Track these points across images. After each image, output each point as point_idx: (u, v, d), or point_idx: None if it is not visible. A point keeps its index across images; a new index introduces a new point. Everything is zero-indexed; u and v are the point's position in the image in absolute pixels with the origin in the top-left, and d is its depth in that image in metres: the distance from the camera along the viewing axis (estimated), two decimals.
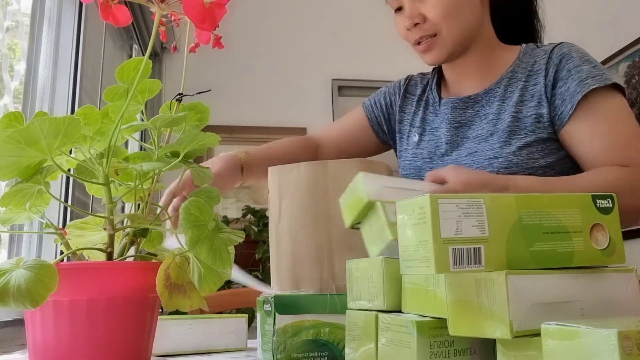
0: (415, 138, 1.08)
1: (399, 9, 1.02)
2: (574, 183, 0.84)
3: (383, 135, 1.16)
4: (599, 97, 0.90)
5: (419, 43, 0.99)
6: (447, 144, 1.02)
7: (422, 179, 0.86)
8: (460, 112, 1.03)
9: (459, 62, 1.04)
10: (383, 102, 1.17)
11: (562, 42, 0.99)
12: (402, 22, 1.01)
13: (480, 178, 0.79)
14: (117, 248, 0.61)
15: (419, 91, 1.13)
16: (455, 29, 0.97)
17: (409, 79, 1.17)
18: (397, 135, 1.14)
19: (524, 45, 1.04)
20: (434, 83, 1.11)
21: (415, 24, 0.97)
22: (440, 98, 1.08)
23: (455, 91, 1.07)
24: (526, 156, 0.93)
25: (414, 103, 1.12)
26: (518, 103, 0.96)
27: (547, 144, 0.93)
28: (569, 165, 0.95)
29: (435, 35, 0.97)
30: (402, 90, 1.15)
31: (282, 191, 0.85)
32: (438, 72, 1.13)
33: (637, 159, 0.87)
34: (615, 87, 0.91)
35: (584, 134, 0.90)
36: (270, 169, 0.87)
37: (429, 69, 1.17)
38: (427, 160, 1.05)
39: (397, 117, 1.14)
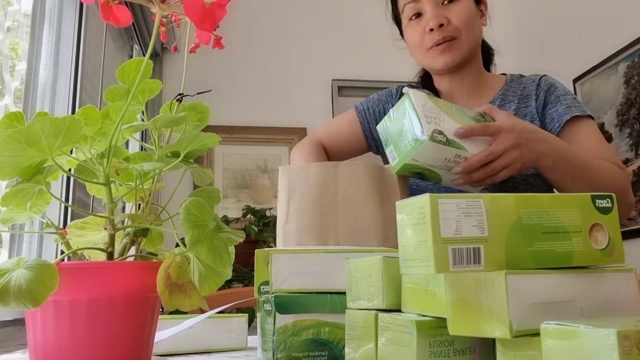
0: None
1: (417, 16, 1.14)
2: (591, 161, 0.99)
3: (371, 141, 1.25)
4: (580, 122, 1.09)
5: (437, 45, 1.11)
6: None
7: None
8: None
9: (457, 77, 1.18)
10: (376, 109, 1.25)
11: (545, 75, 1.19)
12: (419, 27, 1.13)
13: (529, 126, 0.92)
14: (118, 248, 0.61)
15: None
16: (471, 36, 1.12)
17: (401, 89, 1.27)
18: None
19: (508, 74, 1.23)
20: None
21: (440, 25, 1.09)
22: None
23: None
24: None
25: None
26: (514, 115, 1.11)
27: None
28: None
29: (454, 39, 1.10)
30: (395, 99, 1.25)
31: (291, 191, 0.85)
32: (426, 86, 1.26)
33: (620, 163, 1.05)
34: (590, 117, 1.11)
35: (573, 144, 1.06)
36: (280, 168, 0.87)
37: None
38: None
39: None
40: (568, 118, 1.08)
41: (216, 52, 0.79)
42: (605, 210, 0.46)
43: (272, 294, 0.63)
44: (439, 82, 1.23)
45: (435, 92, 1.23)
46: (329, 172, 0.85)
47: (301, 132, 3.11)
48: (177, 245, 0.60)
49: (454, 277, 0.43)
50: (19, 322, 1.14)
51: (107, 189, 0.60)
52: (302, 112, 3.15)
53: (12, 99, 1.29)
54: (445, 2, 1.11)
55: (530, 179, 1.09)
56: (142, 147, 2.00)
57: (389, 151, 0.88)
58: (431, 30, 1.10)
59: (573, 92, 2.67)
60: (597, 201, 0.46)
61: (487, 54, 1.26)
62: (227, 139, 2.95)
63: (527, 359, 0.39)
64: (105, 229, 0.60)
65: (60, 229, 0.61)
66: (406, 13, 1.15)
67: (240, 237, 0.64)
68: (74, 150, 0.64)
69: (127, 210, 0.83)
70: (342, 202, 0.83)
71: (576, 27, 2.68)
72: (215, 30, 0.56)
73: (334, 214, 0.83)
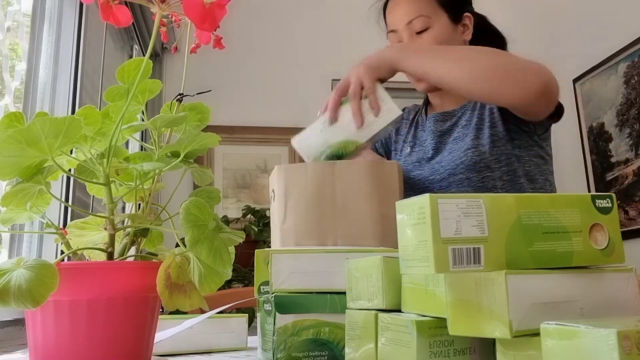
0: (407, 150, 1.28)
1: (393, 31, 1.20)
2: (458, 48, 1.06)
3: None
4: None
5: None
6: (432, 149, 1.20)
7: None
8: (441, 123, 1.22)
9: (445, 92, 1.22)
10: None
11: None
12: (395, 41, 1.20)
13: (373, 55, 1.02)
14: (118, 248, 0.61)
15: (411, 116, 1.35)
16: None
17: (403, 110, 1.38)
18: (392, 152, 1.35)
19: None
20: (423, 108, 1.33)
21: None
22: (426, 116, 1.30)
23: (438, 110, 1.28)
24: (492, 144, 1.12)
25: (407, 125, 1.33)
26: (481, 107, 1.16)
27: (506, 135, 1.12)
28: (533, 154, 1.15)
29: None
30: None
31: (289, 190, 0.85)
32: (427, 99, 1.36)
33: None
34: None
35: None
36: (277, 167, 0.87)
37: None
38: (417, 164, 1.23)
39: (393, 138, 1.36)
40: None
41: (216, 52, 0.79)
42: (605, 210, 0.46)
43: (272, 294, 0.63)
44: (430, 97, 1.30)
45: (430, 104, 1.32)
46: (326, 170, 0.84)
47: None
48: (177, 245, 0.60)
49: (454, 277, 0.43)
50: (19, 322, 1.14)
51: (107, 189, 0.60)
52: (302, 112, 3.14)
53: (12, 99, 1.28)
54: (419, 31, 1.16)
55: (506, 162, 1.13)
56: (142, 147, 1.99)
57: None
58: None
59: (573, 92, 2.68)
60: (597, 201, 0.46)
61: (496, 44, 1.23)
62: (227, 139, 2.95)
63: (527, 359, 0.39)
64: (105, 229, 0.60)
65: (60, 229, 0.61)
66: (390, 39, 1.22)
67: (240, 237, 0.64)
68: (74, 150, 0.64)
69: (127, 210, 0.83)
70: (340, 200, 0.83)
71: (576, 27, 2.68)
72: (215, 30, 0.57)
73: (332, 212, 0.83)
